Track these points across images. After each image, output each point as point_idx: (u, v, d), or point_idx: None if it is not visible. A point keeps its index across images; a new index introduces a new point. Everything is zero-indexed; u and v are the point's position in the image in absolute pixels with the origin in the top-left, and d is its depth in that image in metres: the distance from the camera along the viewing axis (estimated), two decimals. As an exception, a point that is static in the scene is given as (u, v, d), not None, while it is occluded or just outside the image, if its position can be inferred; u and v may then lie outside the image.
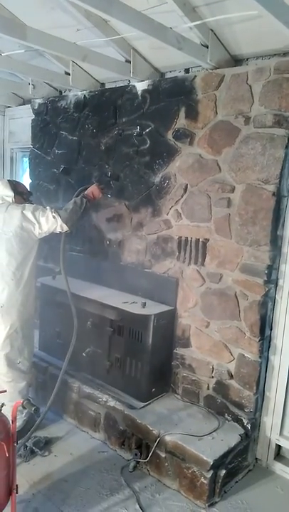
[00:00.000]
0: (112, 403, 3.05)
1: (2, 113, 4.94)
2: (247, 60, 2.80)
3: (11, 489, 2.13)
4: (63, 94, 4.09)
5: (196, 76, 2.92)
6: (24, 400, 2.25)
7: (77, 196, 3.05)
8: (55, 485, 2.67)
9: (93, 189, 3.09)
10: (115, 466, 2.87)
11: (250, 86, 2.65)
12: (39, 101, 4.16)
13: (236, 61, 2.83)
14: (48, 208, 2.92)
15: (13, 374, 2.92)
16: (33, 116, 4.25)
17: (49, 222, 2.86)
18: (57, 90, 4.13)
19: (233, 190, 2.79)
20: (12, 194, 2.92)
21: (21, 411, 2.94)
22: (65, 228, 2.90)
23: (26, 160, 4.72)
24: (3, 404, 2.12)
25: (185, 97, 2.98)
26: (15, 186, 3.01)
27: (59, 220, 2.86)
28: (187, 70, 3.11)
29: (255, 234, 2.70)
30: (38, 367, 3.52)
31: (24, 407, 2.22)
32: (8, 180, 3.07)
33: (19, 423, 2.84)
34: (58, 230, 2.91)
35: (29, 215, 2.85)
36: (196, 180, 2.98)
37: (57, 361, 3.55)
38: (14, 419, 2.11)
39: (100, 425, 3.14)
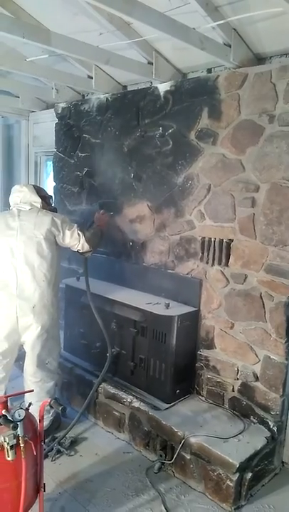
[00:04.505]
0: (136, 404, 3.06)
1: (26, 118, 5.02)
2: (270, 58, 2.77)
3: (38, 487, 2.16)
4: (86, 97, 4.13)
5: (218, 76, 2.90)
6: (51, 399, 2.28)
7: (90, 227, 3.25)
8: (81, 484, 2.69)
9: (99, 217, 3.32)
10: (140, 467, 2.87)
11: (274, 84, 2.62)
12: (62, 105, 4.22)
13: (259, 60, 2.80)
14: (75, 224, 3.04)
15: (42, 374, 2.97)
16: (57, 121, 4.31)
17: (73, 236, 2.98)
18: (80, 94, 4.18)
19: (257, 189, 2.76)
20: (40, 200, 3.00)
21: (48, 410, 2.99)
22: (86, 247, 3.04)
23: (50, 163, 4.79)
24: (30, 404, 2.16)
25: (208, 97, 2.97)
26: (38, 191, 3.06)
27: (82, 239, 3.00)
28: (209, 70, 3.09)
29: (281, 234, 2.66)
30: (62, 367, 3.55)
31: (51, 407, 2.24)
32: (33, 186, 3.14)
33: (46, 422, 2.88)
34: (79, 247, 3.04)
35: (58, 222, 2.95)
36: (219, 180, 2.96)
37: (81, 362, 3.59)
38: (42, 419, 2.14)
39: (124, 426, 3.15)
